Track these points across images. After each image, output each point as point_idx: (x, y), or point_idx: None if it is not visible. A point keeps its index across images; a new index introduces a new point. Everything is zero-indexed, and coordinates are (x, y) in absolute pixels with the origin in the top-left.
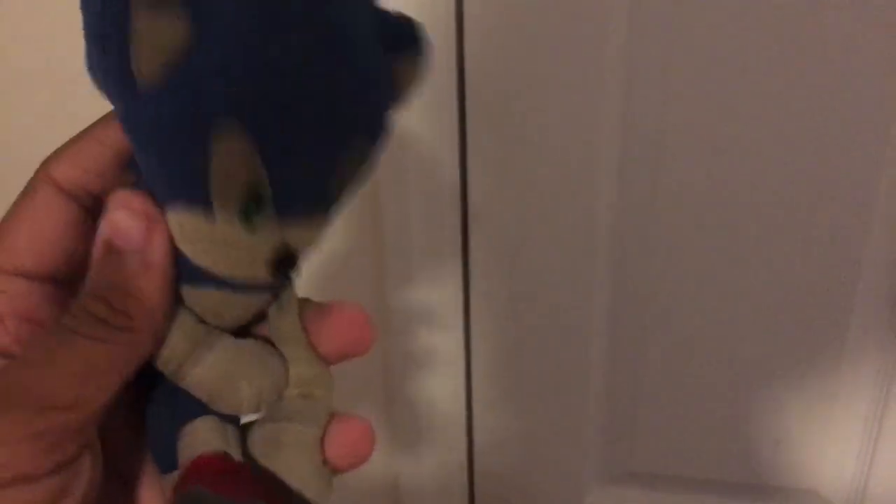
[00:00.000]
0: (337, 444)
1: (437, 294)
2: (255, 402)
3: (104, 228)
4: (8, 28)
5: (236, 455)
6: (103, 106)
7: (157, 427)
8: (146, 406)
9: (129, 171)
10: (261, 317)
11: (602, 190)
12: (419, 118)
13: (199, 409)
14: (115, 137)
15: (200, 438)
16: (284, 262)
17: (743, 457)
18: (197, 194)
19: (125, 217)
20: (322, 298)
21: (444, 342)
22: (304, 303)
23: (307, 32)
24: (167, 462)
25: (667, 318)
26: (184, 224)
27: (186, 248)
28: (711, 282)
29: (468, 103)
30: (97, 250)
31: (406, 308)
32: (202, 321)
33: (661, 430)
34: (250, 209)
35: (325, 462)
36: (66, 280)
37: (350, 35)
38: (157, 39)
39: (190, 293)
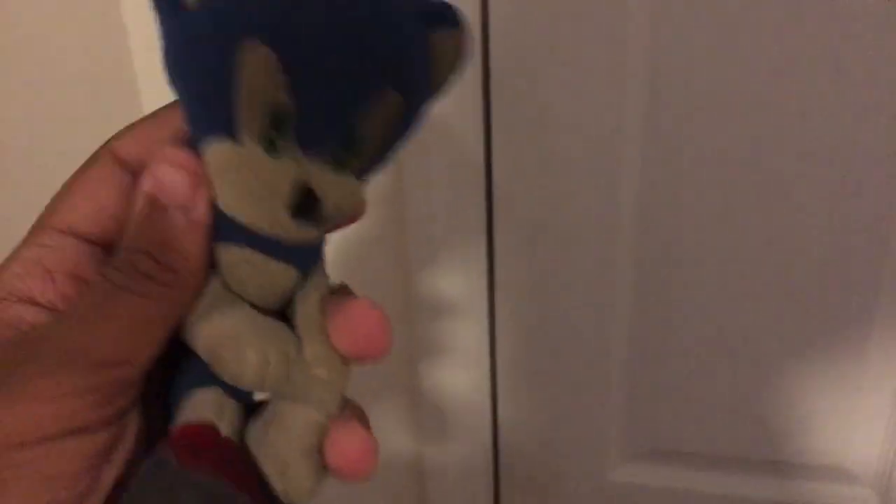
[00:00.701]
0: (336, 452)
1: (462, 278)
2: (259, 373)
3: (148, 183)
4: (9, 28)
5: (226, 430)
6: (101, 109)
7: (172, 394)
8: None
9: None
10: (288, 303)
11: (625, 173)
12: (443, 102)
13: (206, 378)
14: (176, 121)
15: (193, 407)
16: (306, 205)
17: (768, 434)
18: (224, 117)
19: (171, 172)
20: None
21: (468, 325)
22: (332, 294)
23: None
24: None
25: (690, 297)
26: (214, 155)
27: (217, 187)
28: (736, 259)
29: (492, 87)
30: (139, 205)
31: (431, 292)
32: (226, 288)
33: (684, 407)
34: (272, 129)
35: (318, 450)
36: (116, 245)
37: None
38: None
39: (218, 251)
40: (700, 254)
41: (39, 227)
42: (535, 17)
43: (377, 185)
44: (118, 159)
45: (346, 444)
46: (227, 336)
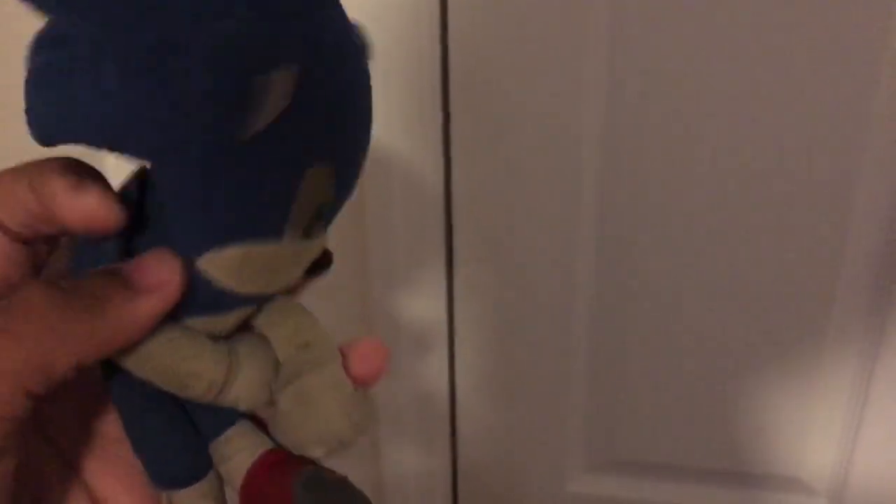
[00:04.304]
0: (355, 364)
1: (421, 284)
2: (267, 396)
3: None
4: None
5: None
6: None
7: (160, 444)
8: (130, 422)
9: (88, 186)
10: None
11: (585, 177)
12: (403, 110)
13: (223, 419)
14: (49, 187)
15: (247, 442)
16: (325, 263)
17: (725, 445)
18: (274, 224)
19: (153, 263)
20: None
21: (427, 333)
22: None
23: (361, 72)
24: (170, 477)
25: (649, 307)
26: (250, 254)
27: (239, 278)
28: (694, 271)
29: (452, 95)
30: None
31: (389, 300)
32: (213, 336)
33: (643, 418)
34: (317, 224)
35: (355, 387)
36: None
37: (366, 63)
38: (275, 102)
39: (216, 322)
40: (659, 265)
41: None
42: (495, 29)
43: None
44: None
45: (360, 351)
46: (258, 388)
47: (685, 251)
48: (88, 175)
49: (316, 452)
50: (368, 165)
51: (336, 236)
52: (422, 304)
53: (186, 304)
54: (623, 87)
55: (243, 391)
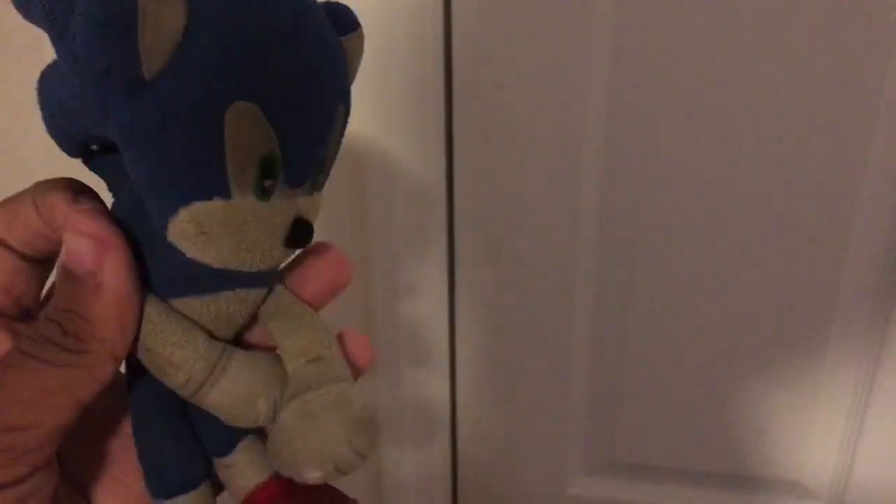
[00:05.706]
0: (352, 350)
1: (422, 285)
2: (270, 414)
3: (62, 253)
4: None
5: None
6: None
7: (158, 451)
8: (139, 430)
9: (83, 201)
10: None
11: (587, 179)
12: (405, 108)
13: (223, 437)
14: (47, 206)
15: (251, 467)
16: (300, 233)
17: (726, 447)
18: (212, 177)
19: (75, 240)
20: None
21: (428, 333)
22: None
23: (283, 14)
24: (164, 487)
25: (650, 308)
26: (199, 215)
27: (202, 246)
28: (695, 273)
29: (454, 93)
30: (58, 275)
31: (390, 299)
32: (212, 335)
33: (644, 420)
34: (265, 179)
35: (362, 410)
36: (19, 318)
37: (313, 16)
38: (162, 24)
39: (204, 304)
40: (660, 268)
41: None
42: (498, 31)
43: (340, 201)
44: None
45: (355, 342)
46: (239, 396)
47: (686, 253)
48: (86, 193)
49: (311, 475)
50: (370, 167)
51: (338, 238)
52: (423, 306)
53: (168, 280)
54: (626, 88)
55: (223, 399)
